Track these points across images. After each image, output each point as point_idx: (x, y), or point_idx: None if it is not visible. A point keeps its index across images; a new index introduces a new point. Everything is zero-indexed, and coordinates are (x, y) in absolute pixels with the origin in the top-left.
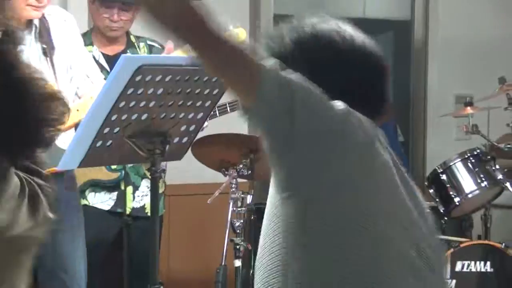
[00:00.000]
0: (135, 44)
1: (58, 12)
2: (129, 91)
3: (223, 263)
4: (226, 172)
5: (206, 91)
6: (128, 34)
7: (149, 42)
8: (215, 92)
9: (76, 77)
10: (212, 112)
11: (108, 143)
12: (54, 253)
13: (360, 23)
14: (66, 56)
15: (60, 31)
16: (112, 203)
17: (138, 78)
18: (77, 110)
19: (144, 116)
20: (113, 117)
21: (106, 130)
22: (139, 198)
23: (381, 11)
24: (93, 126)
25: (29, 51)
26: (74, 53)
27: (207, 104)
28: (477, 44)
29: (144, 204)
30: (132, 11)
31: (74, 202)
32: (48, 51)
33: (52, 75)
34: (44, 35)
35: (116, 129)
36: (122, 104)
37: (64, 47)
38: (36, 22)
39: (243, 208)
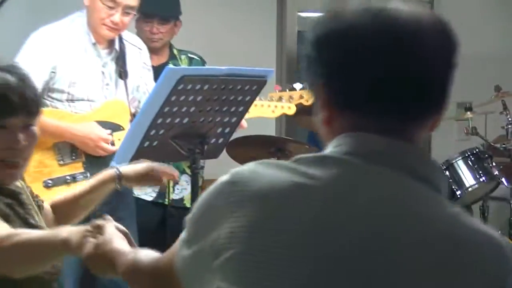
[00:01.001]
0: (177, 56)
1: (135, 41)
2: (173, 98)
3: None
4: None
5: (239, 98)
6: (170, 47)
7: (189, 55)
8: (247, 99)
9: (139, 94)
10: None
11: (154, 143)
12: None
13: None
14: (136, 80)
15: (135, 59)
16: (154, 194)
17: (180, 86)
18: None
19: (185, 120)
20: (159, 121)
21: (153, 132)
22: (179, 191)
23: None
24: (141, 128)
25: (107, 70)
26: (143, 78)
27: (240, 109)
28: (476, 56)
29: (183, 197)
30: (171, 24)
31: (129, 194)
32: (123, 74)
33: (125, 95)
34: (120, 61)
35: (161, 131)
36: (167, 109)
37: (135, 73)
38: (117, 46)
39: None
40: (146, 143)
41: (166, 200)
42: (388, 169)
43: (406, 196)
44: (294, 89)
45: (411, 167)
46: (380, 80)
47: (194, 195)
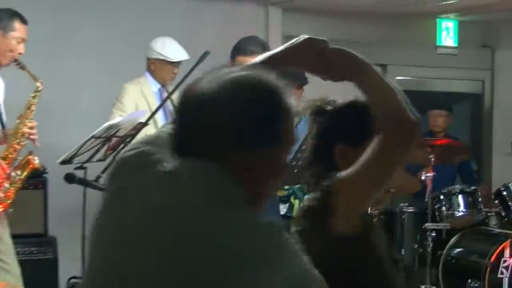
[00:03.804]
0: None
1: None
2: None
3: None
4: None
5: None
6: None
7: None
8: None
9: None
10: None
11: (299, 163)
12: None
13: (446, 95)
14: None
15: None
16: (284, 210)
17: None
18: None
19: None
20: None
21: (299, 154)
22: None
23: (462, 87)
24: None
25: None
26: None
27: None
28: None
29: None
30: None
31: (277, 208)
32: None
33: None
34: None
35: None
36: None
37: None
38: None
39: (376, 211)
40: (294, 163)
41: (293, 214)
42: None
43: None
44: None
45: None
46: None
47: None
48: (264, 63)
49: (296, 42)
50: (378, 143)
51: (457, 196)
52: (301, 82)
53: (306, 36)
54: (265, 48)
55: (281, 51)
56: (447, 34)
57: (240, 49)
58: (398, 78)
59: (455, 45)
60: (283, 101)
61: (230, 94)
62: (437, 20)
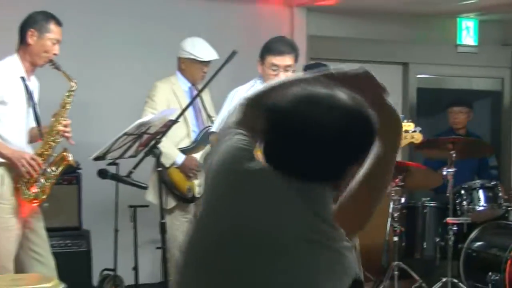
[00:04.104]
0: None
1: None
2: None
3: (386, 239)
4: None
5: None
6: None
7: None
8: None
9: None
10: None
11: None
12: None
13: (466, 93)
14: None
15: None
16: None
17: None
18: None
19: None
20: None
21: None
22: None
23: (482, 85)
24: None
25: None
26: None
27: None
28: None
29: None
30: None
31: None
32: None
33: None
34: None
35: None
36: None
37: None
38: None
39: (399, 205)
40: None
41: None
42: None
43: None
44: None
45: None
46: None
47: None
48: (326, 78)
49: (358, 71)
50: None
51: (477, 191)
52: None
53: (369, 72)
54: (293, 47)
55: (341, 73)
56: (467, 33)
57: (270, 48)
58: (420, 76)
59: (475, 43)
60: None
61: (340, 120)
62: (458, 19)
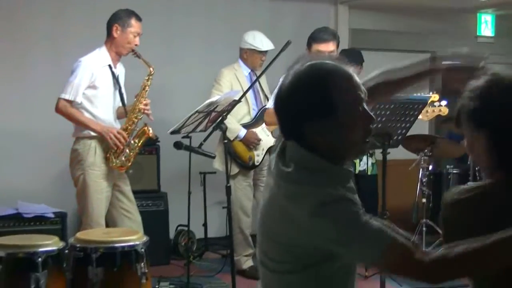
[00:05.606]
0: None
1: None
2: (372, 112)
3: (416, 200)
4: (418, 153)
5: (411, 112)
6: None
7: None
8: (415, 112)
9: None
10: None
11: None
12: None
13: None
14: None
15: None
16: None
17: (378, 106)
18: None
19: (379, 124)
20: None
21: None
22: (363, 164)
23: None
24: None
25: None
26: None
27: (412, 118)
28: None
29: (365, 168)
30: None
31: None
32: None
33: None
34: None
35: None
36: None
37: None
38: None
39: (427, 172)
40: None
41: (356, 170)
42: None
43: None
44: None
45: None
46: None
47: (384, 169)
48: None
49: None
50: None
51: None
52: (359, 61)
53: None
54: (335, 36)
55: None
56: (486, 26)
57: (315, 37)
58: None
59: (492, 35)
60: (332, 81)
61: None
62: (477, 14)
